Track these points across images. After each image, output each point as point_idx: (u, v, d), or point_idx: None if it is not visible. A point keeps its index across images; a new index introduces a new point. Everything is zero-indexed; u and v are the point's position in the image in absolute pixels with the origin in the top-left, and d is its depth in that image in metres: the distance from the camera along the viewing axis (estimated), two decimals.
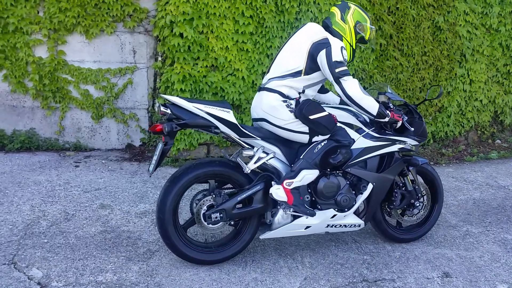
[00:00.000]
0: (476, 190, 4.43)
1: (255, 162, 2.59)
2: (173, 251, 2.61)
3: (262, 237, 2.73)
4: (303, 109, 2.55)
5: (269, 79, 2.70)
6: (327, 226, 2.78)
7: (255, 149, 2.64)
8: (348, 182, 2.78)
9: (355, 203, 2.77)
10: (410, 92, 5.78)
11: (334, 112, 2.76)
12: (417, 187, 3.05)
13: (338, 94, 2.68)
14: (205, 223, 2.60)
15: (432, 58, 5.75)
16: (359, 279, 2.67)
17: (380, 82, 5.55)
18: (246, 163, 2.61)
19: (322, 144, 2.64)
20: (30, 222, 3.06)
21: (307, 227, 2.74)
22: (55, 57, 4.79)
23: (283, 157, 2.72)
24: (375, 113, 2.63)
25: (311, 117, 2.55)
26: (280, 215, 2.69)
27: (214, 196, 2.59)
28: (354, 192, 2.79)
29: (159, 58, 4.95)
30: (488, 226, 3.54)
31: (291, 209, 2.61)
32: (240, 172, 2.66)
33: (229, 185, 2.78)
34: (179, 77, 4.38)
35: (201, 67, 4.49)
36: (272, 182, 2.65)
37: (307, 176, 2.58)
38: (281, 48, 2.80)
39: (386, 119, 2.70)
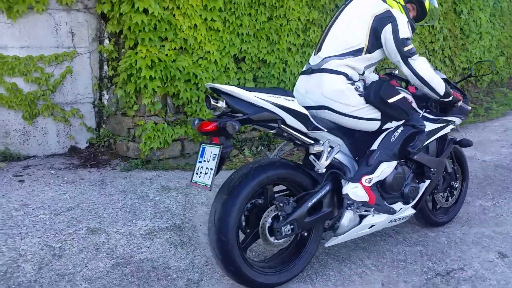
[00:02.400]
0: None
1: (326, 159, 2.14)
2: (237, 279, 2.04)
3: (328, 244, 2.31)
4: (380, 91, 2.16)
5: (325, 58, 2.25)
6: (389, 222, 2.48)
7: (322, 143, 2.19)
8: (412, 170, 2.50)
9: (419, 193, 2.51)
10: None
11: None
12: (456, 167, 2.92)
13: (403, 75, 2.35)
14: (271, 239, 2.09)
15: None
16: (432, 274, 2.42)
17: None
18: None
19: (399, 131, 2.29)
20: (6, 269, 2.18)
21: (371, 226, 2.40)
22: None
23: (347, 150, 2.32)
24: (442, 93, 2.36)
25: (390, 100, 2.18)
26: (348, 218, 2.30)
27: (281, 205, 2.08)
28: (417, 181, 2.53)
29: (106, 41, 4.08)
30: (494, 198, 3.59)
31: (372, 210, 2.24)
32: (303, 173, 2.19)
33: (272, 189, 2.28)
34: (147, 63, 3.63)
35: (168, 49, 3.80)
36: (342, 181, 2.24)
37: (386, 169, 2.23)
38: (332, 22, 2.35)
39: (450, 98, 2.46)
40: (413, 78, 2.26)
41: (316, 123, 2.12)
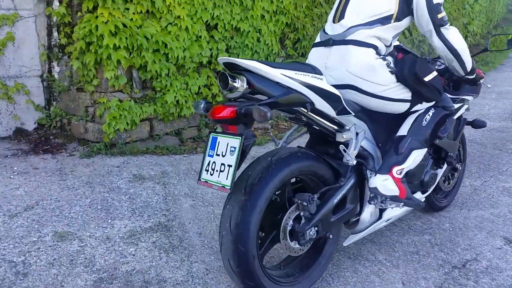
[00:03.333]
0: None
1: (355, 148, 1.84)
2: None
3: (347, 243, 2.05)
4: (416, 68, 1.87)
5: (351, 27, 1.90)
6: (404, 213, 2.26)
7: (349, 129, 1.88)
8: (430, 156, 2.28)
9: (436, 180, 2.30)
10: None
11: None
12: (461, 149, 2.75)
13: (432, 43, 2.06)
14: (292, 244, 1.79)
15: None
16: (448, 268, 2.25)
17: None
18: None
19: (430, 114, 2.03)
20: None
21: (388, 219, 2.17)
22: None
23: (370, 135, 2.03)
24: (470, 68, 2.11)
25: (426, 78, 1.90)
26: (369, 212, 2.04)
27: (304, 204, 1.76)
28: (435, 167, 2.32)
29: (56, 3, 3.43)
30: (481, 177, 3.52)
31: (401, 204, 1.99)
32: (325, 164, 1.88)
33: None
34: (110, 29, 3.08)
35: (133, 13, 3.26)
36: (368, 172, 1.96)
37: (417, 158, 1.97)
38: None
39: (474, 75, 2.23)
40: (444, 50, 1.98)
41: (346, 106, 1.80)
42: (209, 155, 1.65)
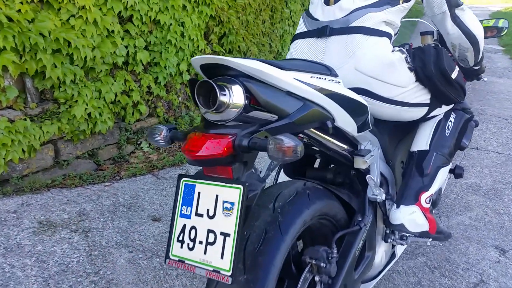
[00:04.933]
0: None
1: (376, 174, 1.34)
2: None
3: None
4: (443, 63, 1.41)
5: (355, 10, 1.37)
6: None
7: (363, 146, 1.37)
8: None
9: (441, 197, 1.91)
10: (258, 37, 5.10)
11: None
12: None
13: (445, 29, 1.62)
14: None
15: None
16: None
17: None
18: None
19: (452, 120, 1.59)
20: None
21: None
22: None
23: (380, 152, 1.54)
24: (480, 56, 1.73)
25: (453, 75, 1.45)
26: (383, 252, 1.56)
27: (322, 265, 1.20)
28: None
29: None
30: None
31: (430, 240, 1.53)
32: (336, 200, 1.35)
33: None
34: None
35: (21, 3, 2.41)
36: (387, 203, 1.46)
37: (443, 177, 1.53)
38: None
39: (479, 66, 1.85)
40: (459, 35, 1.54)
41: (368, 119, 1.29)
42: (182, 215, 1.02)
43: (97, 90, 2.93)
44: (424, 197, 1.44)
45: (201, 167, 1.01)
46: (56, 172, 2.74)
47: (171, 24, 3.51)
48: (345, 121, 1.17)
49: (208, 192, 0.98)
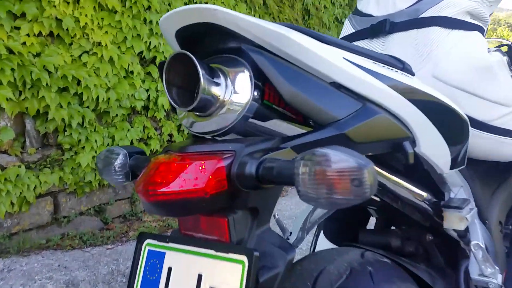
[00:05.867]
0: None
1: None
2: None
3: None
4: None
5: None
6: None
7: (453, 194, 0.89)
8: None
9: None
10: None
11: None
12: None
13: None
14: None
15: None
16: None
17: None
18: None
19: None
20: None
21: None
22: None
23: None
24: None
25: None
26: None
27: None
28: None
29: None
30: None
31: None
32: (410, 281, 0.84)
33: None
34: None
35: (28, 35, 2.14)
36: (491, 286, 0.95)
37: None
38: None
39: None
40: None
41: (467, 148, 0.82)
42: None
43: (110, 136, 2.58)
44: None
45: (175, 220, 0.56)
46: (54, 230, 2.33)
47: None
48: (434, 146, 0.70)
49: (185, 267, 0.52)
